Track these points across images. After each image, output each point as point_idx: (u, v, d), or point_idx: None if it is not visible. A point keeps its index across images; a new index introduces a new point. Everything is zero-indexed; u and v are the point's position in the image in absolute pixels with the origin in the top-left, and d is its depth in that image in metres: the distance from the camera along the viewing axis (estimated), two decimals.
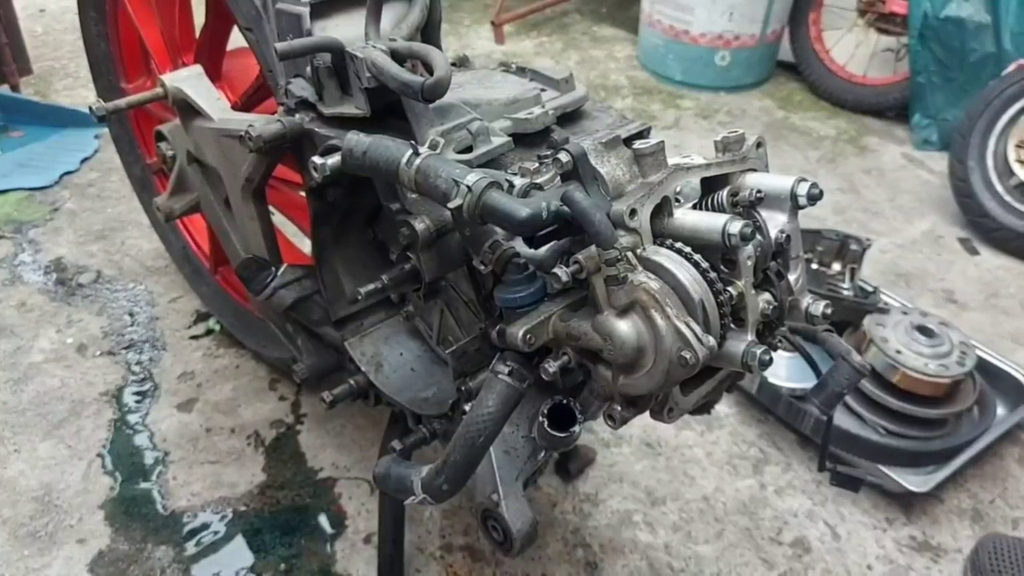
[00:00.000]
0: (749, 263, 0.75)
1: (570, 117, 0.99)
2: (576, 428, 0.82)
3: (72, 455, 1.53)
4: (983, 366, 1.67)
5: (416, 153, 0.76)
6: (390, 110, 0.94)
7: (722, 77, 3.17)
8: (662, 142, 0.79)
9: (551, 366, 0.77)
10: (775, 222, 0.82)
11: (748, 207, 0.81)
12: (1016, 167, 2.32)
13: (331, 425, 1.63)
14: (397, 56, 0.89)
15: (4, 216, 2.19)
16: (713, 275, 0.73)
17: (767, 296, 0.80)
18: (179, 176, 1.37)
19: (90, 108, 1.29)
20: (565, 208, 0.69)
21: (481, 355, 0.97)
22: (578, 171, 0.75)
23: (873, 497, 1.52)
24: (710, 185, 0.83)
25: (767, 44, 3.15)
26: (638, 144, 0.79)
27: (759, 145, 0.86)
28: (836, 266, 1.86)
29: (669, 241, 0.75)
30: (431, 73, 0.84)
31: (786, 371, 1.64)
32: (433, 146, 0.82)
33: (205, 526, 1.42)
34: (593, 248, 0.71)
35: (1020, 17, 2.56)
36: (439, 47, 0.99)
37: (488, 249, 0.79)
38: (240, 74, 1.48)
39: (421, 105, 0.90)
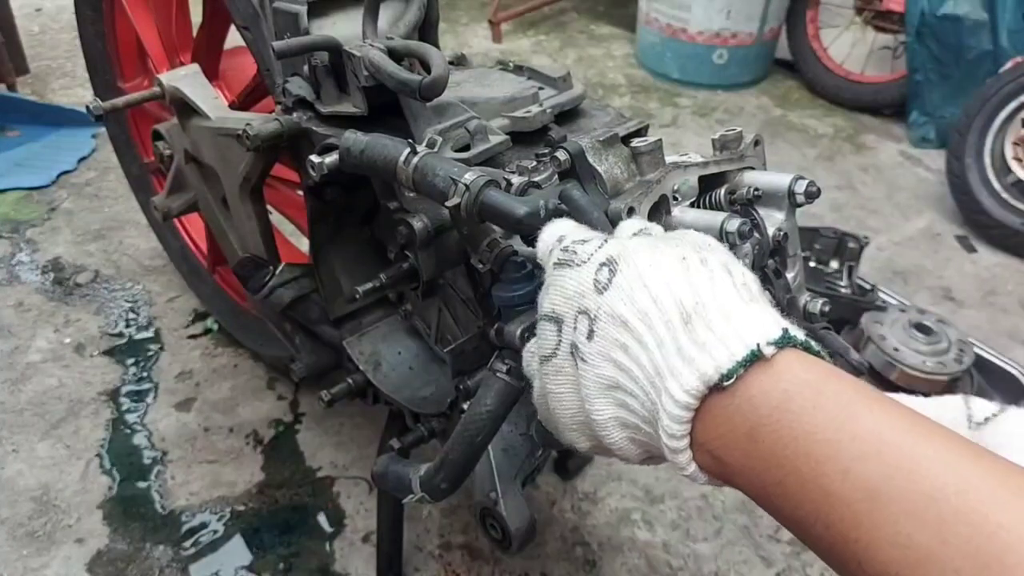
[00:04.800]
0: (747, 261, 0.75)
1: (568, 115, 0.99)
2: None
3: (70, 455, 1.53)
4: (981, 363, 1.67)
5: (414, 151, 0.76)
6: (388, 109, 0.94)
7: (719, 75, 3.17)
8: (660, 140, 0.79)
9: None
10: (773, 220, 0.81)
11: (745, 205, 0.81)
12: (1013, 164, 2.32)
13: (329, 424, 1.63)
14: (395, 55, 0.89)
15: (1, 216, 2.19)
16: None
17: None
18: (176, 175, 1.36)
19: (87, 107, 1.28)
20: (563, 206, 0.68)
21: (479, 353, 0.97)
22: (576, 169, 0.75)
23: None
24: (708, 183, 0.82)
25: (764, 42, 3.15)
26: (636, 142, 0.78)
27: (756, 143, 0.86)
28: (834, 264, 1.87)
29: None
30: (428, 72, 0.84)
31: None
32: (431, 145, 0.82)
33: (203, 525, 1.42)
34: None
35: (1017, 14, 2.57)
36: (437, 46, 0.99)
37: (486, 247, 0.78)
38: (237, 73, 1.48)
39: (419, 104, 0.90)
